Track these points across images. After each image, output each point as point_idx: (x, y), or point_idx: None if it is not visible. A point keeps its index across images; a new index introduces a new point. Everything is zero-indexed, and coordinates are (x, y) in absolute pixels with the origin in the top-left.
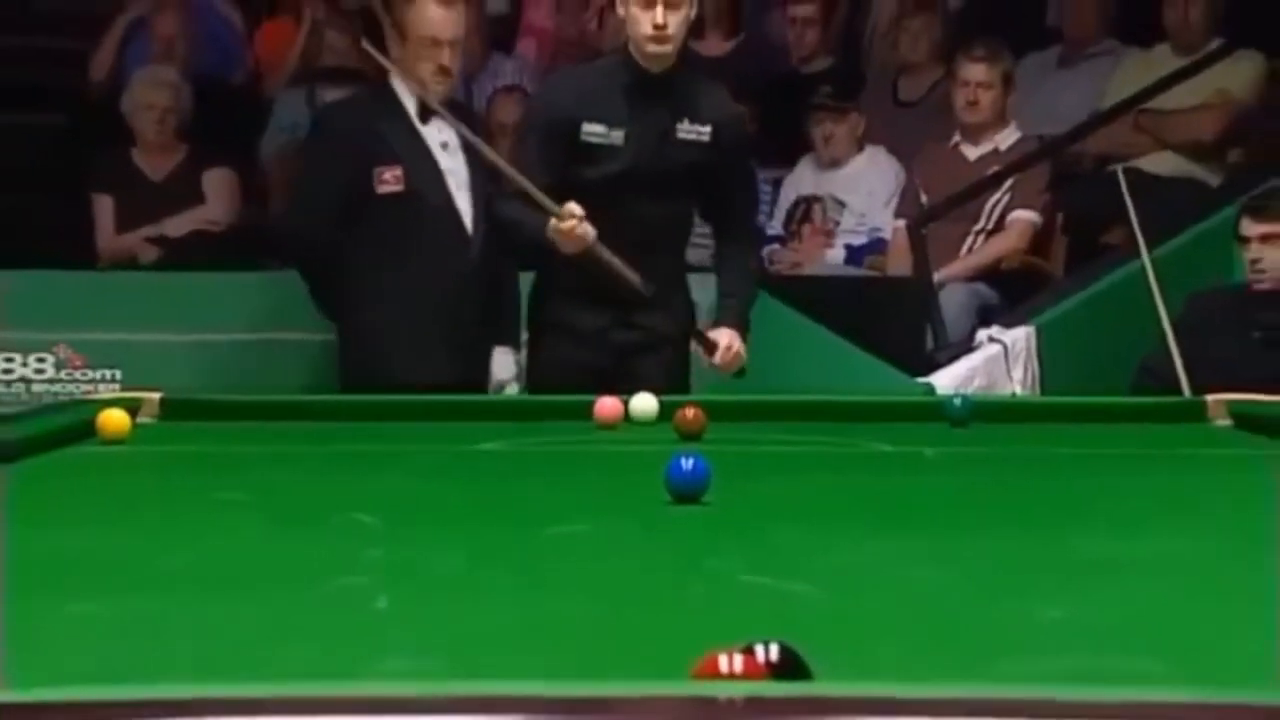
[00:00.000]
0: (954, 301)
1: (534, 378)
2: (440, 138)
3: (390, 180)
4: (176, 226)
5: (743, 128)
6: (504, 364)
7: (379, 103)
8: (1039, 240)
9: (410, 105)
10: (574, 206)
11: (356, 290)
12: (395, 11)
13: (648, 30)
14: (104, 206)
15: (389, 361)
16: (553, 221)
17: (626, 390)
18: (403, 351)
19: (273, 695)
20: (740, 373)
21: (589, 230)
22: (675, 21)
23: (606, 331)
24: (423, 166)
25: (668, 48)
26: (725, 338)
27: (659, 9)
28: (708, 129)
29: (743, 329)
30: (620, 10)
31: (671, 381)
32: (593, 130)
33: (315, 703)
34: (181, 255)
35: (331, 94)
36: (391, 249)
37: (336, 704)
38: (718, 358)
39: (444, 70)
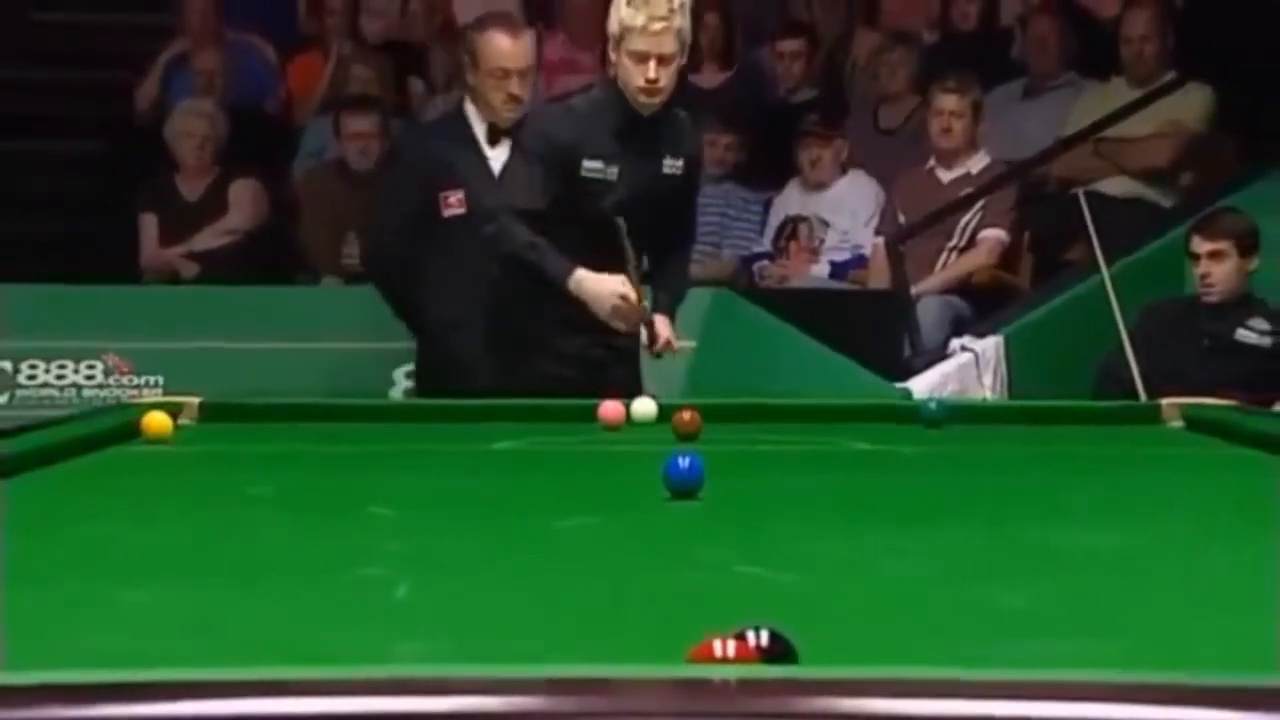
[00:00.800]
0: (929, 313)
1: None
2: (507, 160)
3: (454, 204)
4: (204, 240)
5: (701, 153)
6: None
7: (450, 128)
8: (1007, 256)
9: (480, 130)
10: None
11: (429, 307)
12: (468, 42)
13: (640, 83)
14: (148, 225)
15: (454, 373)
16: (618, 303)
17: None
18: (467, 363)
19: (297, 678)
20: (658, 356)
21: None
22: (667, 75)
23: (585, 350)
24: (485, 190)
25: (658, 99)
26: (665, 329)
27: (652, 64)
28: (681, 162)
29: (672, 320)
30: (613, 55)
31: (636, 386)
32: (592, 166)
33: (335, 685)
34: (219, 269)
35: (352, 120)
36: (457, 269)
37: (354, 686)
38: (658, 348)
39: (513, 98)
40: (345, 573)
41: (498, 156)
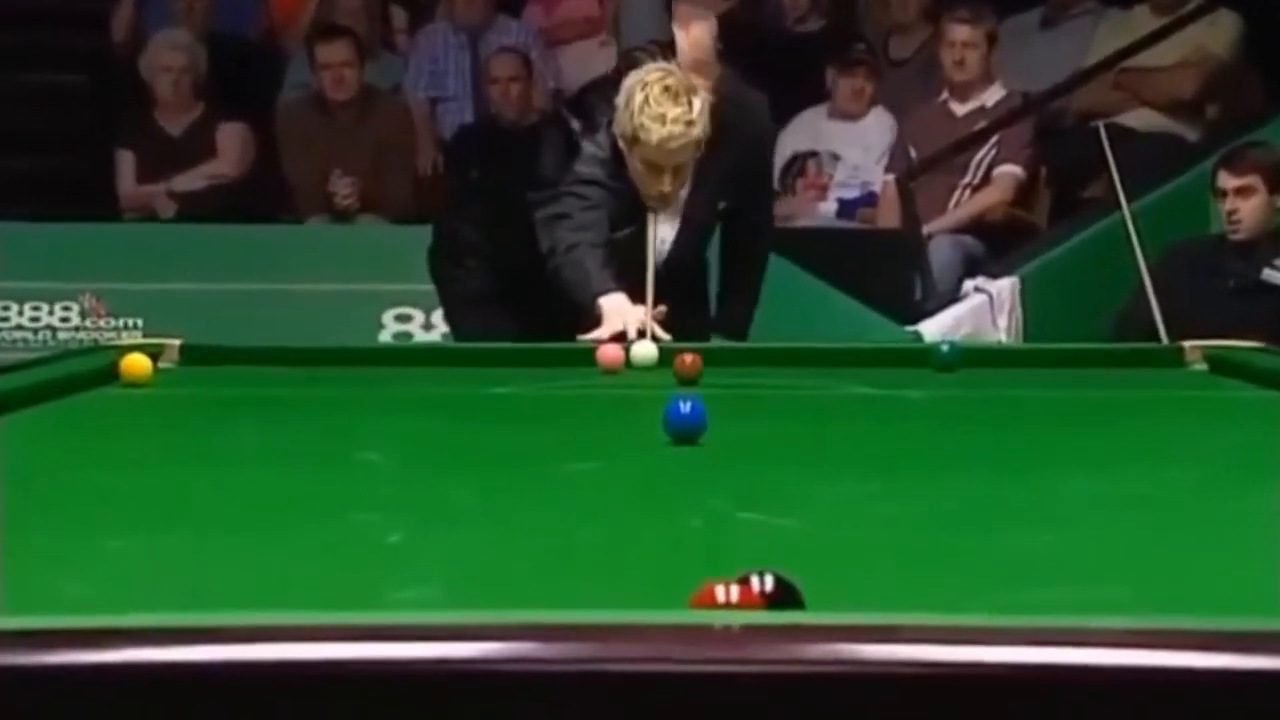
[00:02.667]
0: (941, 253)
1: None
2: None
3: None
4: (187, 182)
5: (760, 144)
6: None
7: None
8: (1023, 193)
9: None
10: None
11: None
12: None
13: (652, 193)
14: (125, 161)
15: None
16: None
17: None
18: None
19: (292, 623)
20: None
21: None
22: (681, 181)
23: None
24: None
25: (669, 205)
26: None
27: (666, 177)
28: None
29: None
30: (621, 145)
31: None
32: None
33: (330, 631)
34: (200, 208)
35: (325, 50)
36: None
37: (350, 632)
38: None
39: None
40: (335, 519)
41: None
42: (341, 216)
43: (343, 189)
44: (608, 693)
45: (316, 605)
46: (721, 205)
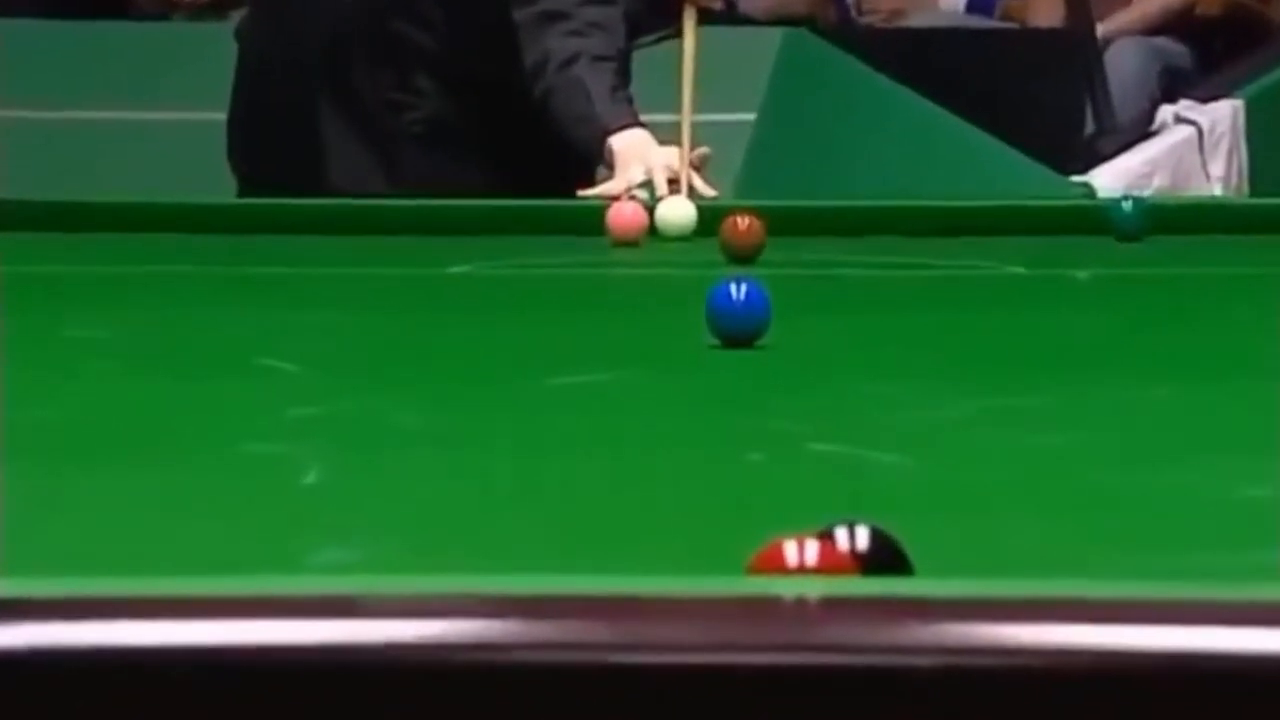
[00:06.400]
0: (1126, 65)
1: None
2: None
3: None
4: None
5: None
6: None
7: None
8: None
9: None
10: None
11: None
12: None
13: None
14: None
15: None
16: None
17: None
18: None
19: (167, 595)
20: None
21: None
22: None
23: None
24: None
25: None
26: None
27: None
28: None
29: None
30: None
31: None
32: None
33: (222, 605)
34: None
35: None
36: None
37: (251, 606)
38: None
39: None
40: (226, 451)
41: None
42: (214, 10)
43: None
44: (630, 694)
45: (202, 569)
46: None
